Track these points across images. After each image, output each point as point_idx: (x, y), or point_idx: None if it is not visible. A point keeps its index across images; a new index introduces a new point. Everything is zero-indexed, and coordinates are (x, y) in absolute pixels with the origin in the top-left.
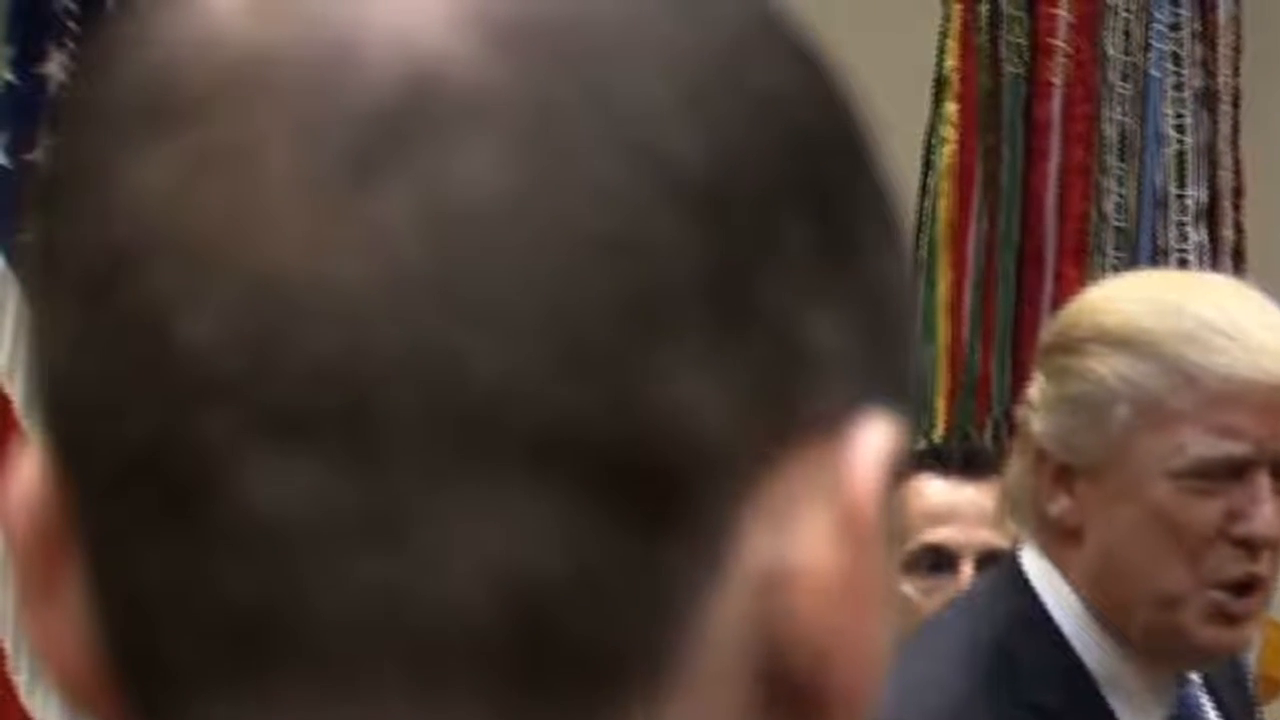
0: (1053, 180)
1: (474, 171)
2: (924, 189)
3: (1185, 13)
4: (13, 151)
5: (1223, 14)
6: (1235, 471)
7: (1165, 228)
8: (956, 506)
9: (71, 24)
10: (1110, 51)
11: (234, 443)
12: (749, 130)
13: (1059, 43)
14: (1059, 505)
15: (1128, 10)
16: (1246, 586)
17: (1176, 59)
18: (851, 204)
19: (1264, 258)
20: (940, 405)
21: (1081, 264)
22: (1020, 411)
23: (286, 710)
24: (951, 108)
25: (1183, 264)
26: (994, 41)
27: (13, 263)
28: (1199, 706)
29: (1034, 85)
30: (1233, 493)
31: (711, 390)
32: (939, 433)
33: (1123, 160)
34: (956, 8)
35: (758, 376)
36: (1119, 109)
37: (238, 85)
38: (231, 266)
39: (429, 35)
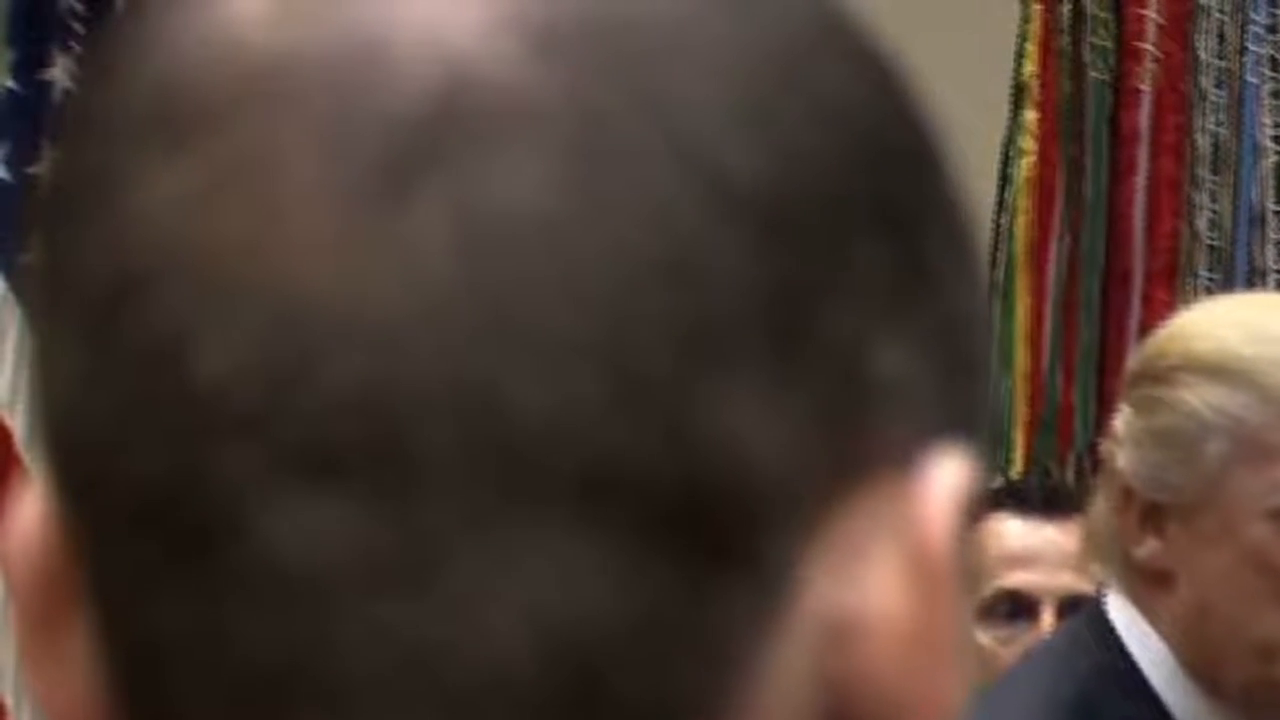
0: (1140, 195)
1: (514, 186)
2: (1001, 204)
3: None
4: (13, 164)
5: None
6: None
7: (1262, 246)
8: (1036, 549)
9: (77, 25)
10: (1203, 55)
11: (255, 482)
12: (812, 141)
13: (1147, 46)
14: (1147, 548)
15: (1221, 11)
16: None
17: (1275, 63)
18: (922, 222)
19: None
20: (1018, 439)
21: (1171, 286)
22: (1105, 446)
23: None
24: (1031, 116)
25: None
26: (1077, 45)
27: (14, 285)
28: None
29: (1120, 92)
30: None
31: (773, 424)
32: (1017, 469)
33: (1216, 173)
34: (1036, 8)
35: (822, 409)
36: (1212, 118)
37: (258, 93)
38: (251, 290)
39: (465, 37)
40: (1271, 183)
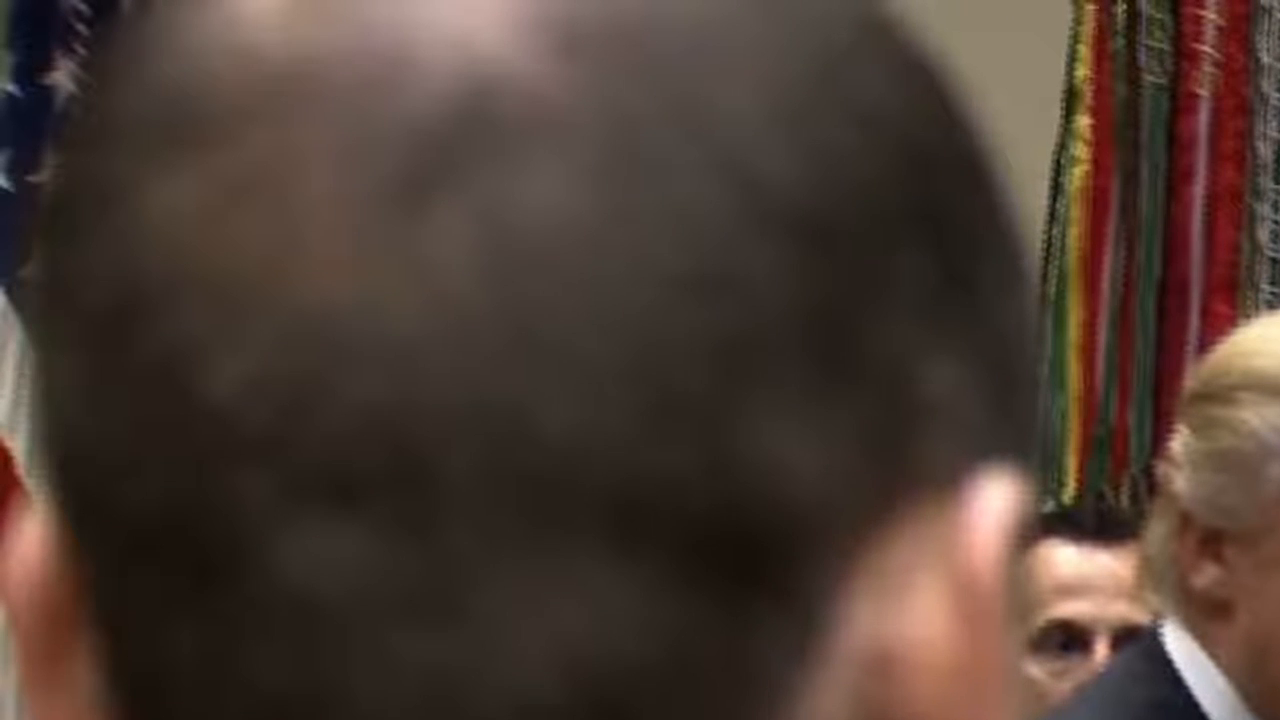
0: (1199, 205)
1: (542, 196)
2: (1052, 215)
3: None
4: (14, 172)
5: None
6: None
7: None
8: (1089, 577)
9: (82, 27)
10: (1264, 58)
11: (268, 507)
12: (853, 149)
13: (1206, 48)
14: (1206, 575)
15: None
16: None
17: None
18: (970, 234)
19: None
20: (1071, 462)
21: (1231, 300)
22: (1162, 469)
23: None
24: (1084, 122)
25: None
26: (1132, 47)
27: (15, 300)
28: None
29: (1177, 97)
30: None
31: (812, 447)
32: (1069, 493)
33: (1278, 182)
34: (1090, 9)
35: (865, 431)
36: (1274, 123)
37: (273, 99)
38: (265, 306)
39: (489, 39)
40: None
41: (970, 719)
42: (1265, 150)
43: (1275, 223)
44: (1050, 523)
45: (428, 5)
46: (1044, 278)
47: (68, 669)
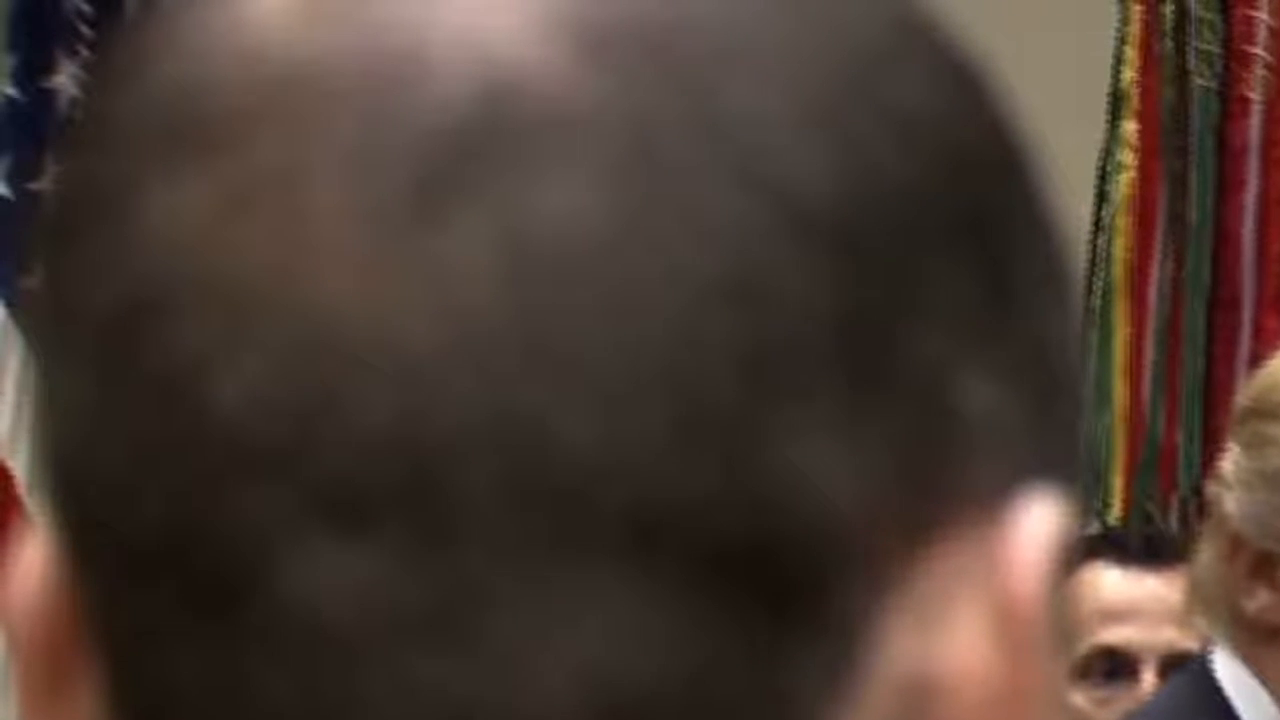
0: (1250, 213)
1: (561, 202)
2: (1097, 224)
3: None
4: (14, 179)
5: None
6: None
7: None
8: (1136, 602)
9: (85, 28)
10: None
11: (278, 526)
12: (886, 153)
13: (1257, 51)
14: (1258, 600)
15: None
16: None
17: None
18: (1011, 243)
19: None
20: (1117, 481)
21: None
22: (1212, 489)
23: None
24: (1130, 127)
25: None
26: (1181, 49)
27: (15, 312)
28: None
29: (1228, 101)
30: None
31: (845, 463)
32: (1115, 514)
33: None
34: (1136, 9)
35: (900, 446)
36: None
37: (281, 101)
38: (275, 317)
39: (507, 41)
40: None
41: None
42: None
43: None
44: (1095, 545)
45: (442, 5)
46: (1088, 290)
47: (70, 696)
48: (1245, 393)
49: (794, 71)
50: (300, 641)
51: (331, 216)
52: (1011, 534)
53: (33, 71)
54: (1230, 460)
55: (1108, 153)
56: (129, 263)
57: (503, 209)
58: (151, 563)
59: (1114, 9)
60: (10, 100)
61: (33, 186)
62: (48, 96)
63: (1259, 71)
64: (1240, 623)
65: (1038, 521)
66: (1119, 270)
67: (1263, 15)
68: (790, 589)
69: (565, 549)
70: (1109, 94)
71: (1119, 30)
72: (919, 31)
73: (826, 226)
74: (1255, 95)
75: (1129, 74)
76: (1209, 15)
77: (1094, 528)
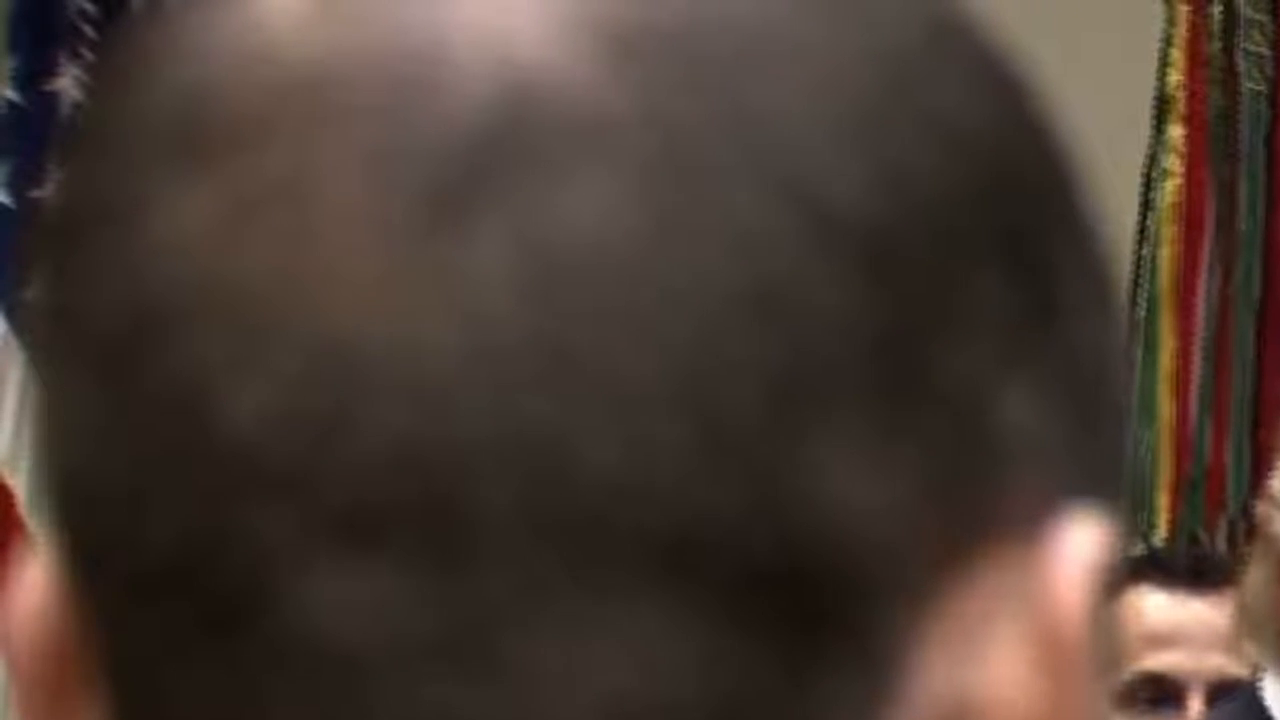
0: None
1: (584, 211)
2: (1142, 233)
3: None
4: (15, 186)
5: None
6: None
7: None
8: (1182, 626)
9: (88, 29)
10: None
11: (289, 547)
12: (923, 161)
13: None
14: None
15: None
16: None
17: None
18: (1051, 254)
19: None
20: (1162, 501)
21: None
22: (1261, 509)
23: None
24: (1177, 132)
25: None
26: (1229, 51)
27: (16, 325)
28: None
29: (1279, 105)
30: None
31: (880, 483)
32: (1161, 535)
33: None
34: (1183, 9)
35: (936, 466)
36: None
37: (295, 105)
38: (286, 330)
39: (529, 43)
40: None
41: None
42: None
43: None
44: (1140, 567)
45: (462, 5)
46: (1133, 302)
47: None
48: None
49: (827, 74)
50: (309, 664)
51: (345, 225)
52: (1053, 556)
53: (34, 74)
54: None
55: (1153, 159)
56: (134, 274)
57: (523, 217)
58: (157, 583)
59: (1159, 10)
60: (10, 104)
61: (34, 194)
62: (49, 100)
63: None
64: None
65: (1080, 543)
66: (1165, 281)
67: None
68: (823, 615)
69: (587, 573)
70: (1154, 98)
71: (1164, 32)
72: (957, 33)
73: (860, 237)
74: None
75: (1175, 77)
76: (1259, 16)
77: (1138, 549)
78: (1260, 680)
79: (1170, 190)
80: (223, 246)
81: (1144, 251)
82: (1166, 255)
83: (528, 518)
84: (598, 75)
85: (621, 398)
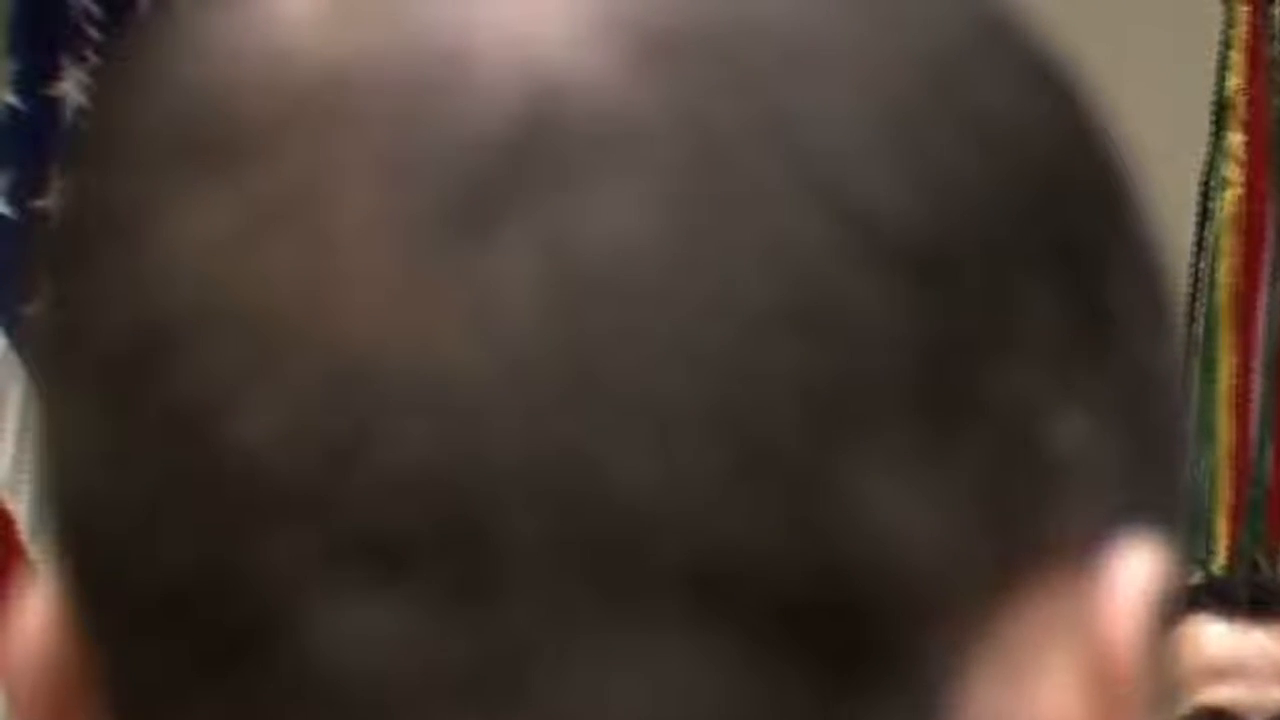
0: None
1: (614, 222)
2: (1200, 245)
3: None
4: (16, 196)
5: None
6: None
7: None
8: (1242, 658)
9: (92, 30)
10: None
11: (304, 575)
12: (969, 167)
13: None
14: None
15: None
16: None
17: None
18: (1104, 266)
19: None
20: (1221, 527)
21: None
22: None
23: None
24: (1236, 139)
25: None
26: None
27: (17, 342)
28: None
29: None
30: None
31: (925, 507)
32: (1220, 562)
33: None
34: (1242, 10)
35: (985, 490)
36: None
37: (311, 109)
38: (302, 346)
39: (557, 42)
40: None
41: None
42: None
43: None
44: (1198, 596)
45: (486, 4)
46: (1190, 317)
47: None
48: None
49: (869, 77)
50: (328, 699)
51: (364, 235)
52: (1107, 583)
53: (36, 78)
54: None
55: (1211, 167)
56: (141, 288)
57: (550, 228)
58: (167, 614)
59: (1218, 10)
60: (11, 110)
61: (36, 204)
62: (52, 105)
63: None
64: None
65: (1135, 569)
66: (1223, 295)
67: None
68: (865, 646)
69: (619, 603)
70: (1212, 103)
71: (1224, 33)
72: (1005, 33)
73: (904, 248)
74: None
75: (1234, 81)
76: None
77: (1196, 577)
78: None
79: (1229, 200)
80: (235, 258)
81: (1201, 264)
82: (1225, 268)
83: (557, 545)
84: (629, 78)
85: (653, 419)
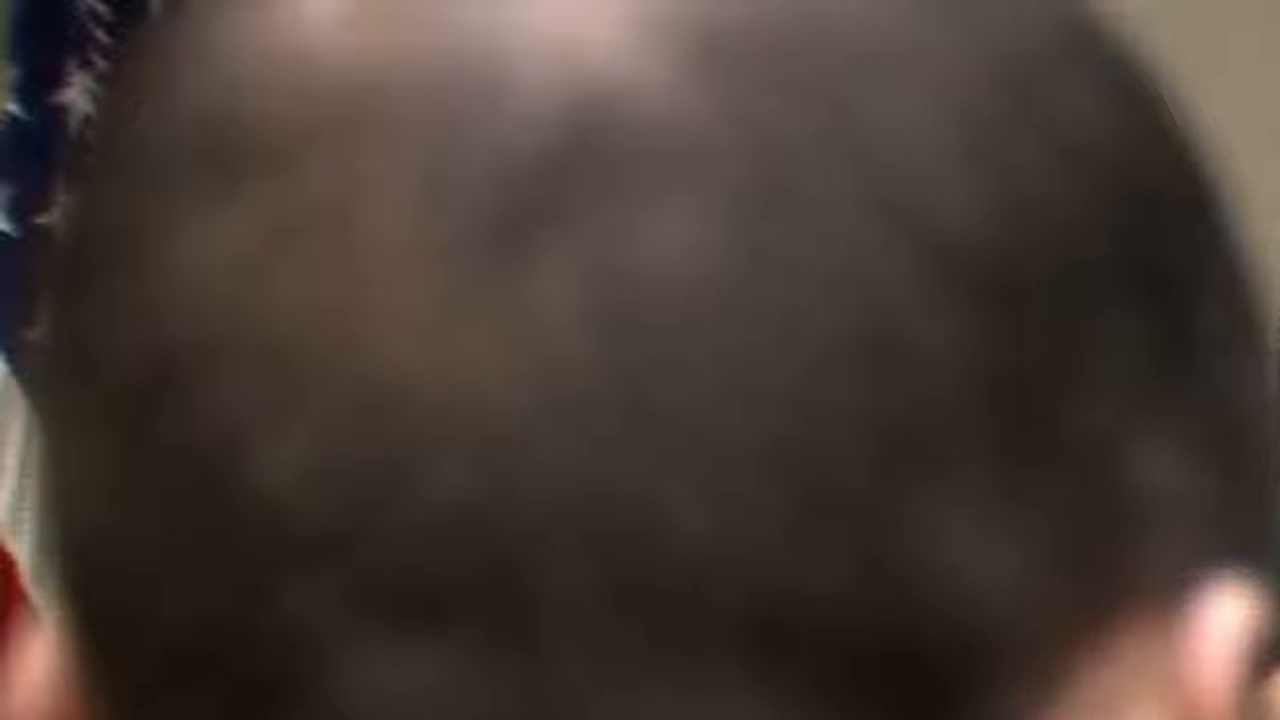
0: None
1: (666, 243)
2: None
3: None
4: (17, 212)
5: None
6: None
7: None
8: None
9: (100, 32)
10: None
11: (330, 623)
12: (1051, 184)
13: None
14: None
15: None
16: None
17: None
18: (1193, 288)
19: None
20: None
21: None
22: None
23: None
24: None
25: None
26: None
27: (18, 369)
28: None
29: None
30: None
31: (999, 552)
32: None
33: None
34: None
35: (1063, 531)
36: None
37: (337, 118)
38: (329, 377)
39: (604, 48)
40: None
41: None
42: None
43: None
44: None
45: (526, 5)
46: None
47: None
48: None
49: (943, 86)
50: None
51: (395, 255)
52: (1195, 627)
53: (39, 84)
54: None
55: None
56: (154, 312)
57: (597, 249)
58: (181, 666)
59: None
60: (12, 118)
61: (39, 221)
62: (56, 114)
63: None
64: None
65: (1226, 613)
66: None
67: None
68: (938, 697)
69: (674, 654)
70: None
71: None
72: (1088, 38)
73: (979, 273)
74: None
75: None
76: None
77: None
78: None
79: None
80: (255, 281)
81: None
82: None
83: (607, 592)
84: (682, 85)
85: (709, 456)
